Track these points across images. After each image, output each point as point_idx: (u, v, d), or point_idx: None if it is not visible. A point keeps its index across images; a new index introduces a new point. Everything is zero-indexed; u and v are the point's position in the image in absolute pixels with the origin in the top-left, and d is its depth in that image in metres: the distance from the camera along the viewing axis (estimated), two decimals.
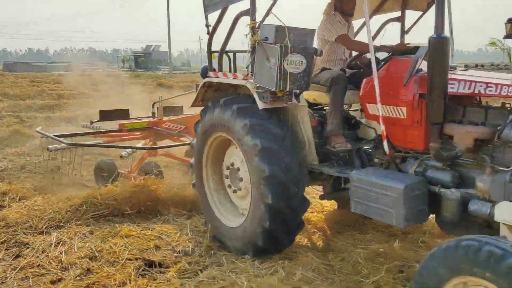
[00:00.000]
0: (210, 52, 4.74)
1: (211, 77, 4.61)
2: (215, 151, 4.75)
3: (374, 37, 5.18)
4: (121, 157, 6.56)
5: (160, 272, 4.04)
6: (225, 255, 4.32)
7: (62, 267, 4.08)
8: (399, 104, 3.54)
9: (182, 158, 7.16)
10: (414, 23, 4.94)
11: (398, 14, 5.08)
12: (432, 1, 4.71)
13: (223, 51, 4.54)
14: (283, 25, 3.66)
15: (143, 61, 49.96)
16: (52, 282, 3.82)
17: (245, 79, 4.13)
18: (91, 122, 8.06)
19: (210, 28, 4.59)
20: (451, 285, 2.50)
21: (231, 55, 4.75)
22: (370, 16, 4.89)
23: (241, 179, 4.35)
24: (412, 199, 3.28)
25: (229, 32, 4.34)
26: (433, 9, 4.59)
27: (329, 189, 4.46)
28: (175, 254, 4.35)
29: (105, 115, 7.87)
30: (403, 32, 5.06)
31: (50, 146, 6.42)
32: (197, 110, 8.26)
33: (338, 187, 4.35)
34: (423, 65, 3.42)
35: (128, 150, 6.64)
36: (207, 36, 4.70)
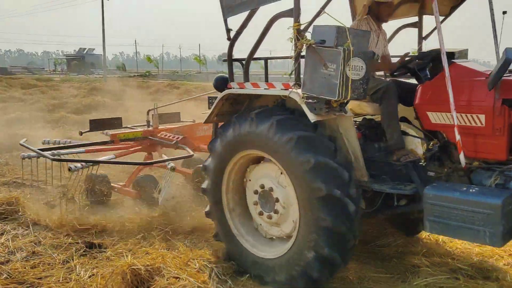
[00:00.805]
0: (231, 60, 4.17)
1: (235, 88, 4.03)
2: (237, 173, 4.17)
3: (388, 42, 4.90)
4: (70, 170, 5.52)
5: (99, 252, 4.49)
6: None
7: (9, 251, 4.49)
8: (476, 111, 3.23)
9: (182, 170, 6.41)
10: (434, 29, 4.73)
11: (415, 19, 4.86)
12: (455, 5, 4.55)
13: (251, 58, 3.98)
14: (342, 25, 3.22)
15: (75, 64, 47.72)
16: (1, 263, 4.19)
17: (287, 89, 3.61)
18: (81, 133, 7.15)
19: (232, 33, 4.03)
20: None
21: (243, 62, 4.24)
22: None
23: (277, 200, 3.80)
24: (508, 214, 2.96)
25: (261, 36, 3.80)
26: (455, 13, 4.56)
27: (378, 207, 4.02)
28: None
29: (96, 125, 6.97)
30: (421, 38, 4.84)
31: (71, 166, 5.48)
32: (197, 118, 7.67)
33: (390, 204, 3.93)
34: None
35: (80, 163, 5.70)
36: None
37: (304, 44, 3.38)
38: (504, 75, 3.13)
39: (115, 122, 7.12)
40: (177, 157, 5.97)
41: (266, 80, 3.90)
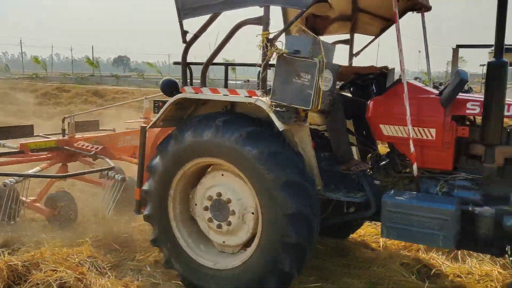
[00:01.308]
0: (185, 64, 3.97)
1: (190, 93, 3.86)
2: (188, 180, 4.00)
3: None
4: (5, 186, 5.02)
5: None
6: None
7: None
8: (427, 125, 3.54)
9: (98, 182, 5.86)
10: (364, 47, 5.08)
11: (346, 36, 5.17)
12: (384, 27, 4.95)
13: (209, 63, 3.85)
14: (317, 37, 3.31)
15: None
16: None
17: (253, 96, 3.57)
18: None
19: (188, 36, 3.86)
20: None
21: (193, 67, 4.11)
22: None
23: (232, 213, 3.73)
24: (459, 219, 3.30)
25: (223, 42, 3.71)
26: (386, 34, 4.95)
27: (328, 214, 4.15)
28: None
29: (3, 132, 6.04)
30: (351, 55, 5.16)
31: (6, 182, 5.04)
32: (117, 127, 7.01)
33: (340, 212, 4.09)
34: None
35: (14, 178, 5.10)
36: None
37: (275, 53, 3.39)
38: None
39: (26, 131, 6.30)
40: (97, 169, 5.51)
41: (226, 86, 3.81)
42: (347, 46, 5.16)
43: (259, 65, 3.51)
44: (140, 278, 4.15)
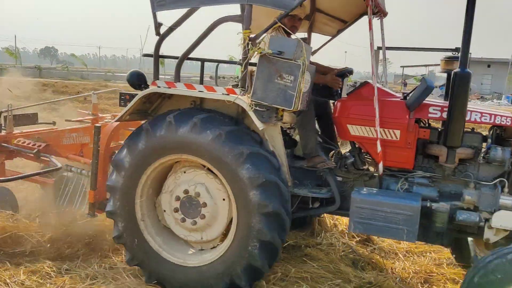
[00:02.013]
0: (157, 57, 3.85)
1: (163, 87, 3.77)
2: (154, 180, 3.93)
3: None
4: None
5: None
6: None
7: None
8: (392, 127, 3.80)
9: (44, 180, 5.43)
10: (321, 46, 5.26)
11: (304, 35, 5.32)
12: (341, 28, 5.17)
13: (185, 58, 3.77)
14: (300, 39, 3.39)
15: None
16: None
17: (231, 94, 3.58)
18: None
19: (163, 28, 3.75)
20: None
21: (167, 62, 4.03)
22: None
23: (204, 205, 3.75)
24: (419, 215, 3.61)
25: (201, 37, 3.65)
26: (343, 33, 5.18)
27: (294, 209, 4.28)
28: None
29: None
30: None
31: None
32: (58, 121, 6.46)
33: (305, 207, 4.24)
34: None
35: None
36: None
37: (257, 52, 3.43)
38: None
39: None
40: (44, 170, 5.17)
41: (201, 82, 3.77)
42: None
43: (239, 63, 3.53)
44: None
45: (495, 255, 3.00)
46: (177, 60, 3.83)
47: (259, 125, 3.49)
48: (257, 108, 3.49)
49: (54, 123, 6.42)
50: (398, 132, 3.80)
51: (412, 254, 4.85)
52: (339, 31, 5.20)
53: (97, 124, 4.36)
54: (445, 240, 3.89)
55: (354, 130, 3.97)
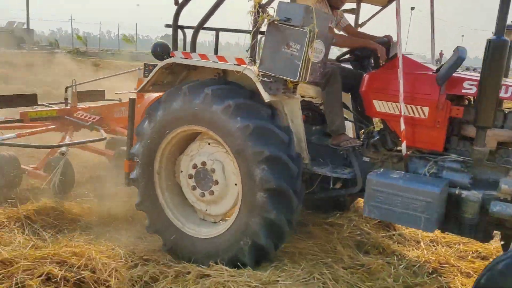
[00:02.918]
0: (176, 28, 3.86)
1: (180, 57, 3.77)
2: (176, 146, 3.97)
3: None
4: None
5: None
6: None
7: None
8: (421, 103, 3.41)
9: (102, 151, 5.89)
10: (371, 17, 4.88)
11: (353, 5, 4.96)
12: None
13: (200, 28, 3.73)
14: (310, 5, 3.16)
15: (3, 38, 43.18)
16: None
17: (241, 64, 3.47)
18: None
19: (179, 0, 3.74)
20: None
21: (187, 32, 4.00)
22: None
23: (216, 183, 3.70)
24: (443, 202, 3.22)
25: (214, 6, 3.58)
26: (392, 5, 4.73)
27: (315, 188, 4.09)
28: None
29: (5, 101, 5.98)
30: (357, 25, 4.97)
31: None
32: (124, 97, 7.02)
33: (326, 187, 4.03)
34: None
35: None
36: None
37: (266, 20, 3.26)
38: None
39: (29, 99, 6.23)
40: (85, 140, 5.55)
41: (216, 52, 3.70)
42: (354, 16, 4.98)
43: (250, 32, 3.39)
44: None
45: (509, 254, 2.57)
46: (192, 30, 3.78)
47: (265, 97, 3.35)
48: (265, 79, 3.34)
49: (120, 100, 6.81)
50: (426, 109, 3.40)
51: (436, 244, 4.39)
52: (390, 1, 4.75)
53: (131, 97, 4.51)
54: (479, 234, 3.43)
55: (380, 106, 3.64)
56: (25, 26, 37.82)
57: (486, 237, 3.49)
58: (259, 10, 3.27)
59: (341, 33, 4.45)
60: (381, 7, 4.86)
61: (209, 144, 3.80)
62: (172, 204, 3.99)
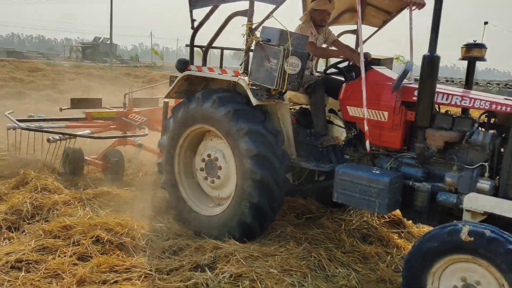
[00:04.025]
0: (192, 47, 4.86)
1: (194, 70, 4.74)
2: (189, 144, 4.92)
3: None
4: (48, 141, 6.48)
5: None
6: None
7: None
8: (382, 108, 4.09)
9: (153, 149, 7.10)
10: (369, 37, 5.58)
11: (354, 27, 5.70)
12: (386, 20, 5.42)
13: (209, 46, 4.69)
14: (285, 29, 3.99)
15: (90, 53, 48.83)
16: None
17: (236, 75, 4.36)
18: (61, 109, 7.90)
19: (195, 23, 4.72)
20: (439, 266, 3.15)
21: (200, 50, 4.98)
22: (328, 25, 5.43)
23: (220, 168, 4.58)
24: (393, 190, 3.85)
25: (219, 29, 4.53)
26: (387, 26, 5.43)
27: (302, 181, 4.86)
28: None
29: (76, 103, 7.73)
30: (357, 44, 5.68)
31: (50, 138, 6.45)
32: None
33: (310, 180, 4.78)
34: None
35: (56, 136, 6.51)
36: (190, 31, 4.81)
37: (254, 40, 4.13)
38: (405, 82, 4.02)
39: (96, 102, 7.87)
40: (132, 134, 6.89)
41: (221, 67, 4.63)
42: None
43: (242, 50, 4.29)
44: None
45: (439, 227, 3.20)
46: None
47: (253, 101, 4.20)
48: (253, 87, 4.20)
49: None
50: (386, 114, 4.08)
51: None
52: (384, 22, 5.45)
53: (165, 100, 5.57)
54: (435, 222, 4.00)
55: (352, 111, 4.35)
56: (109, 42, 41.45)
57: (430, 222, 4.07)
58: (249, 33, 4.17)
59: (328, 46, 5.22)
60: (377, 28, 5.56)
61: (211, 140, 4.71)
62: (187, 186, 4.97)
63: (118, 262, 3.91)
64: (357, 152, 4.53)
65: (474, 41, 4.25)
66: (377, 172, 3.96)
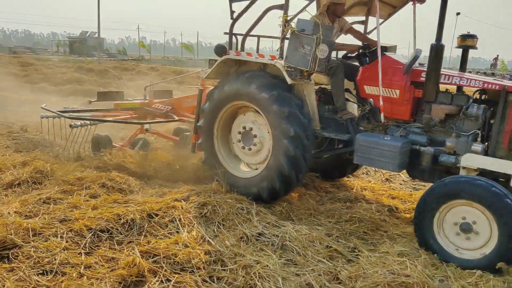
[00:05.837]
0: (231, 35, 5.67)
1: (233, 54, 5.57)
2: (224, 122, 5.77)
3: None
4: (70, 126, 7.12)
5: None
6: None
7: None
8: (394, 87, 5.00)
9: (170, 137, 7.86)
10: (375, 28, 6.45)
11: (362, 18, 6.58)
12: (391, 12, 6.31)
13: (247, 34, 5.52)
14: (317, 21, 4.85)
15: (77, 47, 48.43)
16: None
17: (273, 59, 5.21)
18: (90, 102, 8.83)
19: (235, 14, 5.53)
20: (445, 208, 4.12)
21: (239, 37, 5.79)
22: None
23: (255, 136, 5.45)
24: (403, 153, 4.78)
25: (257, 20, 5.35)
26: (393, 17, 6.32)
27: (324, 148, 5.76)
28: None
29: (102, 96, 8.67)
30: (365, 33, 6.57)
31: (72, 124, 7.05)
32: (183, 93, 9.23)
33: (331, 148, 5.70)
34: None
35: (79, 122, 7.20)
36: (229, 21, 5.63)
37: (290, 30, 4.98)
38: (414, 66, 4.93)
39: (119, 95, 8.88)
40: (163, 120, 7.69)
41: (257, 51, 5.47)
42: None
43: (279, 38, 5.13)
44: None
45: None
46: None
47: (288, 80, 5.06)
48: (288, 69, 5.06)
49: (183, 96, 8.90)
50: (398, 91, 4.99)
51: None
52: (389, 15, 6.34)
53: (200, 87, 6.38)
54: (435, 179, 4.96)
55: (368, 89, 5.26)
56: (96, 36, 41.46)
57: (432, 180, 4.99)
58: (285, 24, 5.01)
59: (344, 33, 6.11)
60: (383, 20, 6.45)
61: (244, 115, 5.56)
62: (226, 158, 5.80)
63: (119, 198, 5.14)
64: (370, 123, 5.44)
65: (468, 32, 5.18)
66: (390, 138, 4.89)
